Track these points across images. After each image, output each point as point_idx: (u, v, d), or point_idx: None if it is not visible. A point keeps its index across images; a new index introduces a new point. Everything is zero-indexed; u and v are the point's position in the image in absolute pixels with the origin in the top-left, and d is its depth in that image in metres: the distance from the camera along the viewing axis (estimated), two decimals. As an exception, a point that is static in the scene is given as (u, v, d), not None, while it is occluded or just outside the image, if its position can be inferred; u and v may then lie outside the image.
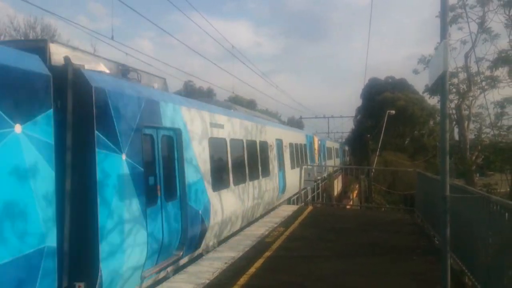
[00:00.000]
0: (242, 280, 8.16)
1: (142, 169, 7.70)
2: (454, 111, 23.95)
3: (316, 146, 31.92)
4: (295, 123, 47.08)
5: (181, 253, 9.25)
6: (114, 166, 6.98)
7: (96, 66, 7.54)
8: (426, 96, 31.54)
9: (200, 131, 10.48)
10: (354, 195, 38.61)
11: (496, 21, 21.39)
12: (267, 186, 16.91)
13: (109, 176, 6.82)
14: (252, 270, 8.77)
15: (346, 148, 66.75)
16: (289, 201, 21.21)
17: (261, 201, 15.90)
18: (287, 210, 16.72)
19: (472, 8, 21.68)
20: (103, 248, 6.52)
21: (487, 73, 22.25)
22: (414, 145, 56.15)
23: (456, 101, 24.09)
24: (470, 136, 24.65)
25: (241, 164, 13.91)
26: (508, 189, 21.00)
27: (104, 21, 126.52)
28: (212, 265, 9.07)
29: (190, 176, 9.63)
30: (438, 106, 9.82)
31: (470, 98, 24.07)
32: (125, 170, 7.22)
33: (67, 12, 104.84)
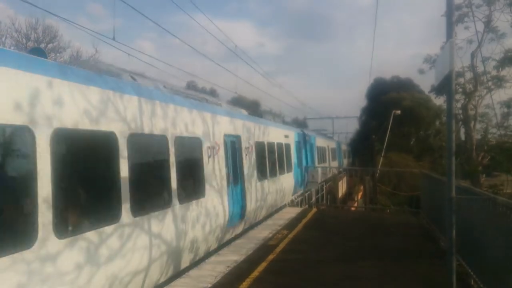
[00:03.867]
0: (245, 284, 8.05)
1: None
2: (460, 111, 23.81)
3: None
4: (300, 124, 45.57)
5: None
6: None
7: None
8: (432, 96, 31.48)
9: None
10: (359, 196, 38.44)
11: (502, 20, 21.30)
12: None
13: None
14: (255, 273, 8.65)
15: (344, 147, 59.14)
16: (293, 204, 21.07)
17: None
18: (291, 212, 16.59)
19: (478, 7, 21.61)
20: None
21: (494, 72, 22.12)
22: (420, 145, 55.76)
23: (462, 101, 23.97)
24: (477, 136, 24.51)
25: None
26: (515, 190, 20.80)
27: (104, 22, 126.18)
28: (214, 268, 8.96)
29: None
30: (444, 106, 9.72)
31: (477, 98, 23.95)
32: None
33: (67, 13, 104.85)
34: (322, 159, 31.55)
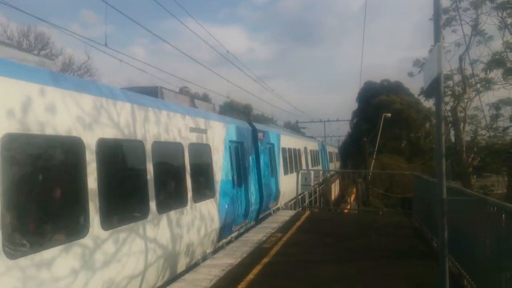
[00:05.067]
0: (240, 287, 8.11)
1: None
2: (449, 114, 24.07)
3: None
4: (292, 128, 45.28)
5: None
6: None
7: None
8: (422, 98, 31.77)
9: None
10: (352, 199, 38.64)
11: (489, 24, 21.61)
12: None
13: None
14: (250, 276, 8.71)
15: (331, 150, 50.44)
16: (286, 206, 21.15)
17: None
18: (285, 215, 16.67)
19: (465, 11, 21.90)
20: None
21: (482, 75, 22.41)
22: (410, 147, 56.15)
23: (451, 104, 24.23)
24: (466, 138, 24.76)
25: None
26: (505, 190, 21.05)
27: (96, 29, 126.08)
28: (209, 272, 9.01)
29: None
30: (434, 108, 9.85)
31: (466, 100, 24.23)
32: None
33: (59, 20, 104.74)
34: (294, 166, 22.73)
